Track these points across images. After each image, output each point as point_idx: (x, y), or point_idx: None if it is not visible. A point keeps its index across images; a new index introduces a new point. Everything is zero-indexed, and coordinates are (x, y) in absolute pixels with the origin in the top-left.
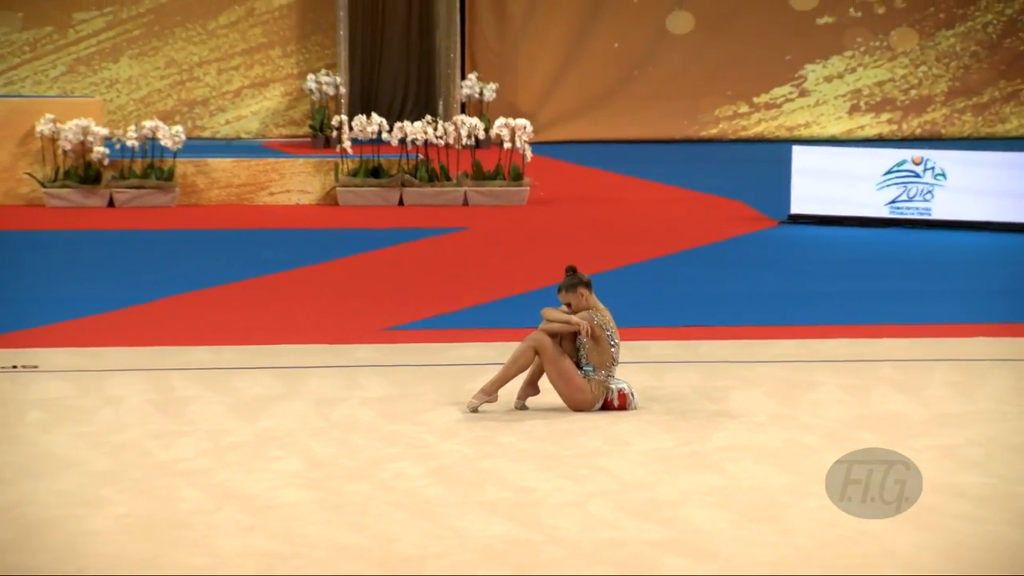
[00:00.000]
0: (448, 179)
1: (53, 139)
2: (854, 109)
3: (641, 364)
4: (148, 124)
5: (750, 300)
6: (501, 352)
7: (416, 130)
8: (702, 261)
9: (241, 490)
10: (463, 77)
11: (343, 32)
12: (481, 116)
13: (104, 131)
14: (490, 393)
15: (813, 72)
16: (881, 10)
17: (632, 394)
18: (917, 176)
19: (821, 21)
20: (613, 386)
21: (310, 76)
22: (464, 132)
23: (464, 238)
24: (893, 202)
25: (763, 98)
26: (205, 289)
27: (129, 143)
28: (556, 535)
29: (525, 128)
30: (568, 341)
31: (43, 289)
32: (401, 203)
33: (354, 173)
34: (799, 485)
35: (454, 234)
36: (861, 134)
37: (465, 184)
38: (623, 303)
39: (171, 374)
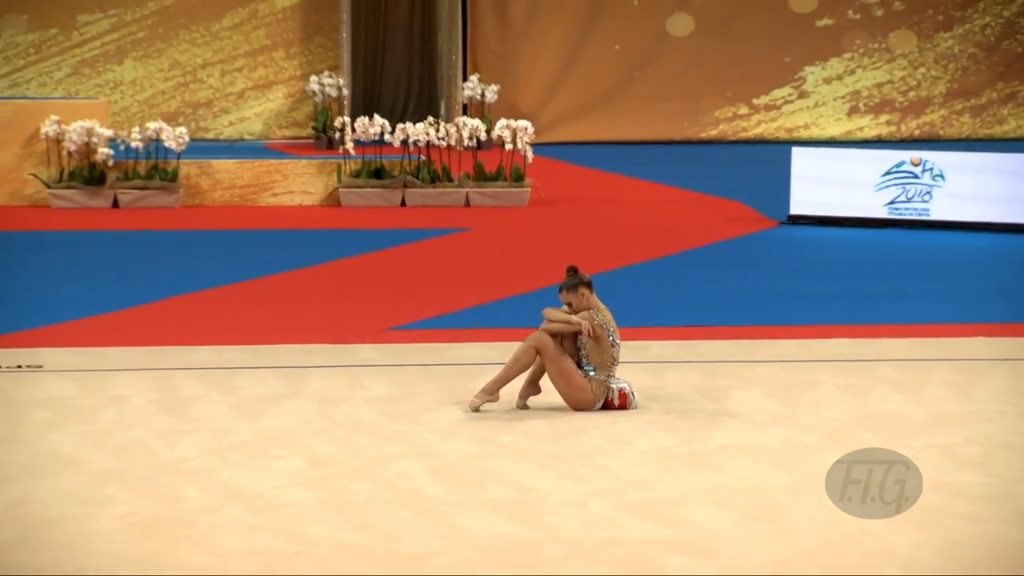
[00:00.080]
0: (450, 180)
1: (58, 140)
2: (853, 111)
3: (641, 364)
4: (152, 126)
5: (750, 300)
6: (502, 352)
7: (418, 131)
8: (702, 261)
9: (244, 489)
10: (465, 79)
11: (346, 34)
12: (483, 118)
13: (108, 132)
14: (491, 393)
15: (812, 74)
16: (880, 12)
17: (633, 394)
18: (916, 177)
19: (820, 23)
20: (614, 386)
21: (313, 78)
22: (466, 133)
23: (466, 239)
24: (892, 203)
25: (763, 100)
26: (208, 289)
27: (133, 144)
28: (557, 534)
29: (526, 129)
30: (569, 341)
31: (48, 289)
32: (403, 204)
33: (357, 174)
34: (799, 484)
35: (456, 235)
36: (860, 135)
37: (467, 185)
38: (624, 303)
39: (174, 374)
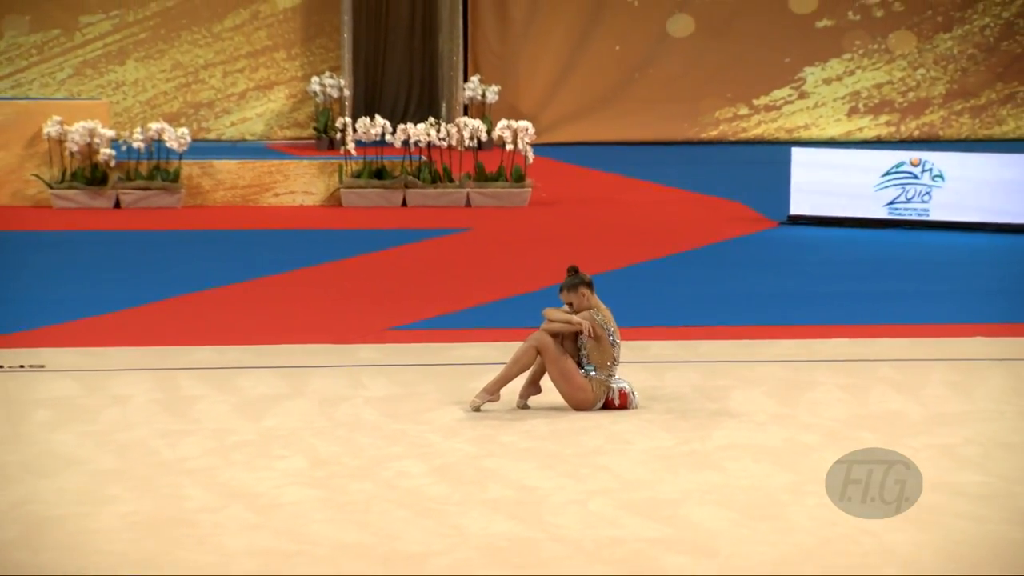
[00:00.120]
0: (451, 180)
1: (60, 141)
2: (853, 111)
3: (642, 364)
4: (154, 126)
5: (750, 300)
6: (503, 352)
7: (419, 132)
8: (702, 262)
9: (246, 488)
10: (466, 80)
11: (347, 35)
12: (483, 118)
13: (110, 133)
14: (492, 392)
15: (812, 74)
16: (879, 13)
17: (633, 393)
18: (915, 177)
19: (820, 24)
20: (614, 385)
21: (314, 79)
22: (467, 134)
23: (467, 239)
24: (891, 203)
25: (763, 100)
26: (210, 289)
27: (135, 145)
28: (557, 533)
29: (527, 130)
30: (570, 341)
31: (50, 289)
32: (404, 204)
33: (358, 175)
34: (799, 484)
35: (457, 235)
36: (860, 136)
37: (468, 185)
38: (624, 303)
39: (176, 373)
